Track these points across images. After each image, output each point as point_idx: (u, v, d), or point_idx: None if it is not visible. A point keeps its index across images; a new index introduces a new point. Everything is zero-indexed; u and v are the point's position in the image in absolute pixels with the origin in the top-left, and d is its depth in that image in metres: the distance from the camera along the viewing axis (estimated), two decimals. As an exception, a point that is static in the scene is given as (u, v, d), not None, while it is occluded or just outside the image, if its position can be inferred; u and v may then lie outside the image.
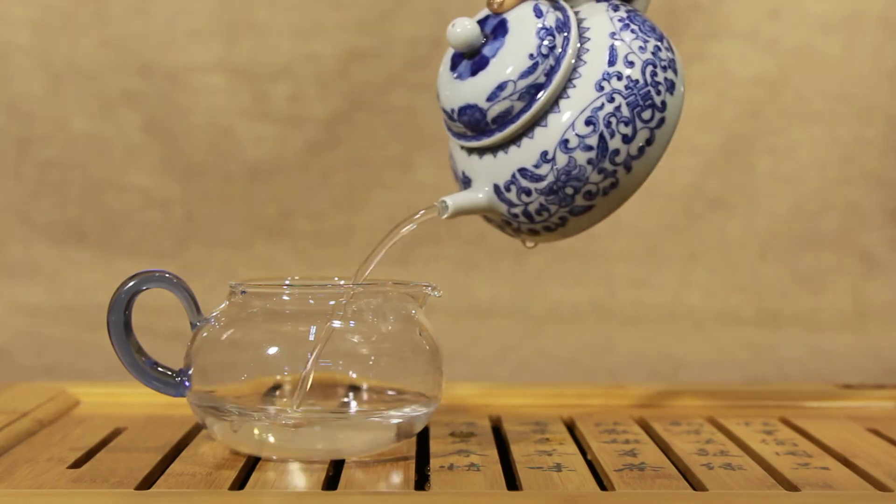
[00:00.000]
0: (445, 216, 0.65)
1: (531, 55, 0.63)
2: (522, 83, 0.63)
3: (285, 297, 0.66)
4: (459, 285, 1.26)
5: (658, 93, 0.64)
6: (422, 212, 0.66)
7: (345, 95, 1.28)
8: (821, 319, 1.26)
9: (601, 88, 0.63)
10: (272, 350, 0.65)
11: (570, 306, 1.26)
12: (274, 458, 0.64)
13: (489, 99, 0.63)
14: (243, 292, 0.66)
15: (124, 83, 1.27)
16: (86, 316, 1.22)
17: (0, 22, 1.27)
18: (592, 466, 0.65)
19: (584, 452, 0.67)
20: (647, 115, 0.63)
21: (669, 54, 0.65)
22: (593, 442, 0.69)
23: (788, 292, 1.27)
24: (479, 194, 0.66)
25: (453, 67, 0.65)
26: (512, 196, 0.65)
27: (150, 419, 0.74)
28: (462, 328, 1.23)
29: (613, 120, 0.63)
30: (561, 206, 0.64)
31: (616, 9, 0.65)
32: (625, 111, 0.63)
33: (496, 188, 0.65)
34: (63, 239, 1.27)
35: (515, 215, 0.65)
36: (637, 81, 0.63)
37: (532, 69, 0.63)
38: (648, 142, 0.64)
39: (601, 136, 0.63)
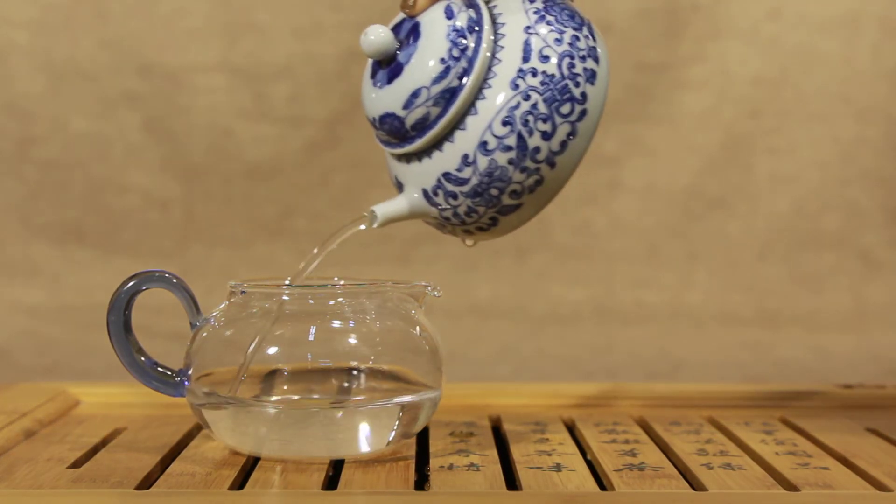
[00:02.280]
0: (376, 225, 0.65)
1: (442, 59, 0.62)
2: (436, 88, 0.62)
3: (285, 297, 0.66)
4: (459, 285, 1.26)
5: (577, 84, 0.62)
6: (352, 224, 0.65)
7: (345, 95, 1.27)
8: (821, 319, 1.26)
9: (516, 87, 0.61)
10: (272, 350, 0.65)
11: (570, 306, 1.26)
12: (274, 458, 0.64)
13: (405, 107, 0.62)
14: (243, 292, 0.66)
15: (124, 83, 1.27)
16: (86, 316, 1.22)
17: (0, 22, 1.27)
18: (592, 466, 0.65)
19: (583, 452, 0.67)
20: (566, 109, 0.62)
21: (589, 42, 0.63)
22: (593, 442, 0.69)
23: (788, 292, 1.27)
24: (405, 201, 0.65)
25: (373, 75, 0.64)
26: (440, 200, 0.64)
27: (150, 419, 0.74)
28: (462, 328, 1.23)
29: (531, 118, 0.61)
30: (489, 208, 0.63)
31: (532, 0, 0.63)
32: (542, 108, 0.61)
33: (425, 193, 0.64)
34: (63, 239, 1.27)
35: (447, 218, 0.65)
36: (553, 76, 0.61)
37: (444, 74, 0.62)
38: (570, 135, 0.62)
39: (520, 136, 0.61)
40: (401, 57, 0.63)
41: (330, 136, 1.28)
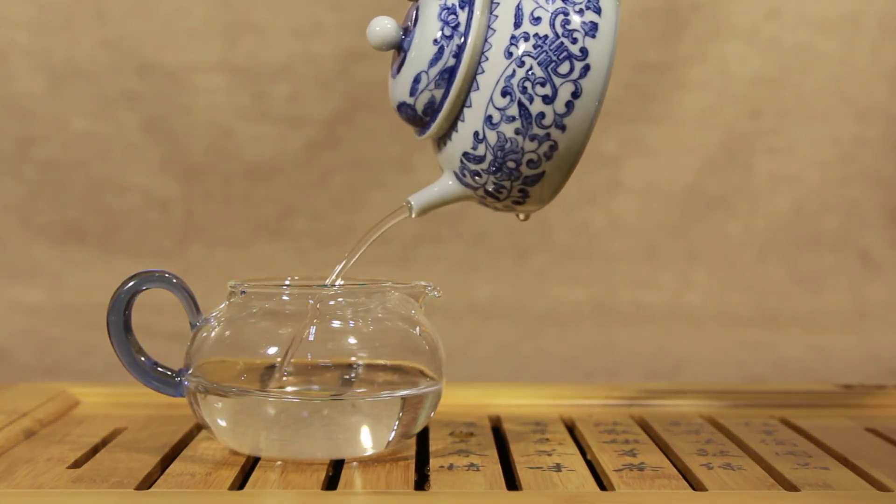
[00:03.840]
0: (414, 215, 0.65)
1: (435, 40, 0.61)
2: (434, 71, 0.62)
3: (285, 297, 0.66)
4: (459, 285, 1.26)
5: (574, 41, 0.60)
6: (392, 215, 0.65)
7: (345, 95, 1.28)
8: (821, 319, 1.26)
9: (510, 55, 0.60)
10: (272, 350, 0.65)
11: (570, 306, 1.26)
12: (275, 459, 0.64)
13: (411, 94, 0.62)
14: (243, 292, 0.66)
15: (124, 83, 1.27)
16: (86, 316, 1.22)
17: (0, 22, 1.27)
18: (592, 466, 0.65)
19: (584, 452, 0.67)
20: (564, 68, 0.60)
21: None
22: (593, 442, 0.69)
23: (788, 292, 1.27)
24: (439, 187, 0.65)
25: (392, 66, 0.65)
26: (469, 180, 0.63)
27: (150, 419, 0.74)
28: (462, 328, 1.23)
29: (528, 84, 0.60)
30: (513, 181, 0.62)
31: None
32: (538, 72, 0.60)
33: (456, 176, 0.64)
34: (63, 239, 1.27)
35: (483, 196, 0.64)
36: (546, 37, 0.60)
37: (439, 55, 0.61)
38: (575, 95, 0.60)
39: (520, 104, 0.60)
40: (405, 45, 0.63)
41: (330, 136, 1.28)
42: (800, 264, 1.28)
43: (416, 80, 0.62)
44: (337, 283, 0.69)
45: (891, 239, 1.28)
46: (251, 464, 0.64)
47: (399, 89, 0.63)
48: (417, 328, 0.66)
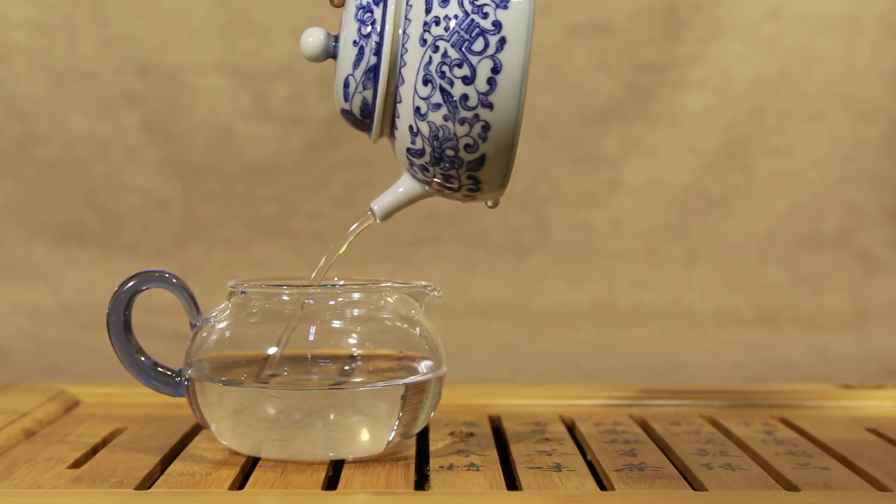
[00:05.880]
0: (379, 220, 0.65)
1: (355, 42, 0.61)
2: (359, 72, 0.61)
3: (285, 297, 0.66)
4: (459, 285, 1.26)
5: (484, 16, 0.59)
6: (359, 224, 0.65)
7: (345, 95, 1.27)
8: (821, 319, 1.26)
9: (424, 42, 0.59)
10: (271, 350, 0.65)
11: (570, 306, 1.26)
12: (273, 457, 0.64)
13: (345, 99, 0.62)
14: (243, 292, 0.66)
15: (124, 83, 1.27)
16: (86, 316, 1.22)
17: (0, 22, 1.27)
18: (592, 466, 0.65)
19: (584, 452, 0.67)
20: (478, 45, 0.59)
21: None
22: (593, 442, 0.69)
23: (788, 292, 1.27)
24: (396, 190, 0.65)
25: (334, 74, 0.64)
26: (420, 176, 0.63)
27: (150, 419, 0.74)
28: (462, 328, 1.23)
29: (445, 68, 0.59)
30: (458, 169, 0.61)
31: None
32: (452, 53, 0.59)
33: (409, 174, 0.64)
34: (63, 239, 1.27)
35: (439, 189, 0.64)
36: (456, 17, 0.59)
37: (360, 55, 0.61)
38: (495, 70, 0.59)
39: (442, 90, 0.59)
40: (335, 51, 0.62)
41: (330, 136, 1.28)
42: (800, 264, 1.28)
43: (346, 85, 0.62)
44: (340, 282, 0.69)
45: (891, 239, 1.28)
46: (251, 464, 0.64)
47: (337, 96, 0.63)
48: (417, 328, 0.66)
